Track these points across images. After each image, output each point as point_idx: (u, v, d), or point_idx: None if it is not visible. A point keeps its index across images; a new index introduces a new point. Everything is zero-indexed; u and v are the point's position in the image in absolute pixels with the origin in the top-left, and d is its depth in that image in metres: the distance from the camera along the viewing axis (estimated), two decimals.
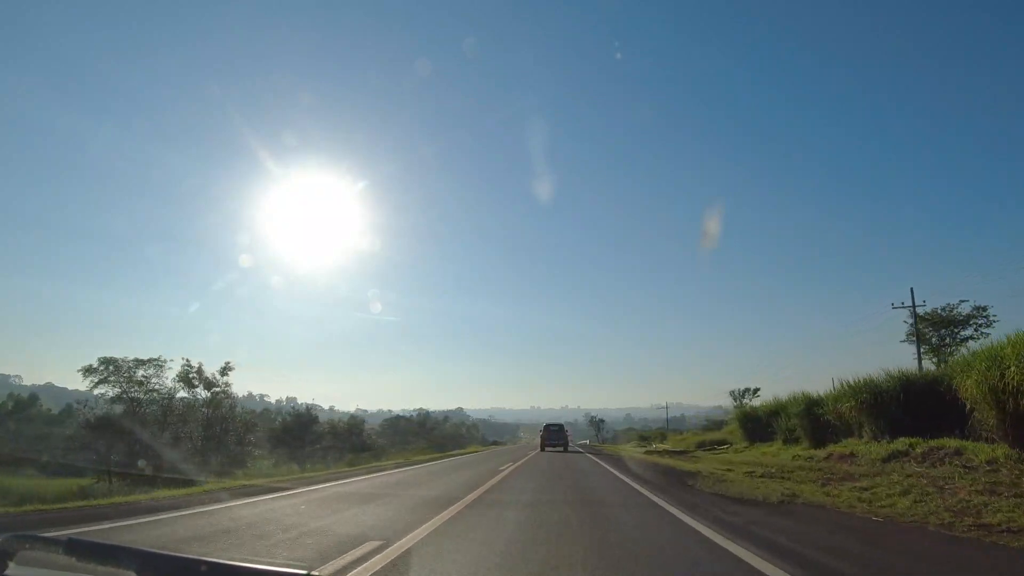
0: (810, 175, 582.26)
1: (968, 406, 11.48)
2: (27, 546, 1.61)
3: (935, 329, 29.65)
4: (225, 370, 29.46)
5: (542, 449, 32.89)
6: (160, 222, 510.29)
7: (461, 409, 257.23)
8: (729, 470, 13.68)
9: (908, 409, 13.69)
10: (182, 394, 28.55)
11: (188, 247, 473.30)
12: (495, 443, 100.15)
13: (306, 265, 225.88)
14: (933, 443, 11.37)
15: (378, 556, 4.83)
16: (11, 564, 1.55)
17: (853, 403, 15.45)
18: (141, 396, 27.06)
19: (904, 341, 31.48)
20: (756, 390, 49.59)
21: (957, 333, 28.44)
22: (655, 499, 8.97)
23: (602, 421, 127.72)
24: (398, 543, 5.37)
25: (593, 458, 24.72)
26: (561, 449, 32.75)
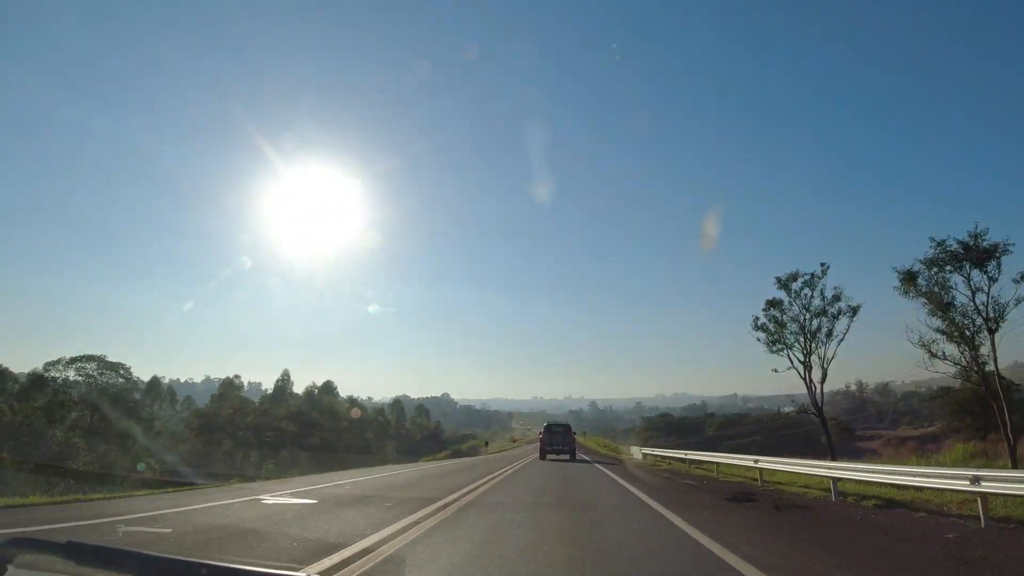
0: (814, 171, 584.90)
1: None
2: (26, 549, 1.62)
3: None
4: None
5: (542, 457, 26.27)
6: (157, 215, 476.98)
7: (447, 395, 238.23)
8: None
9: None
10: None
11: (185, 240, 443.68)
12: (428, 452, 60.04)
13: (305, 256, 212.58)
14: None
15: None
16: (10, 568, 1.53)
17: None
18: None
19: None
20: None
21: None
22: None
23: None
24: None
25: None
26: (567, 458, 25.93)
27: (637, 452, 33.27)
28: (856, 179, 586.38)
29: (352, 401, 71.96)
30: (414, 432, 76.63)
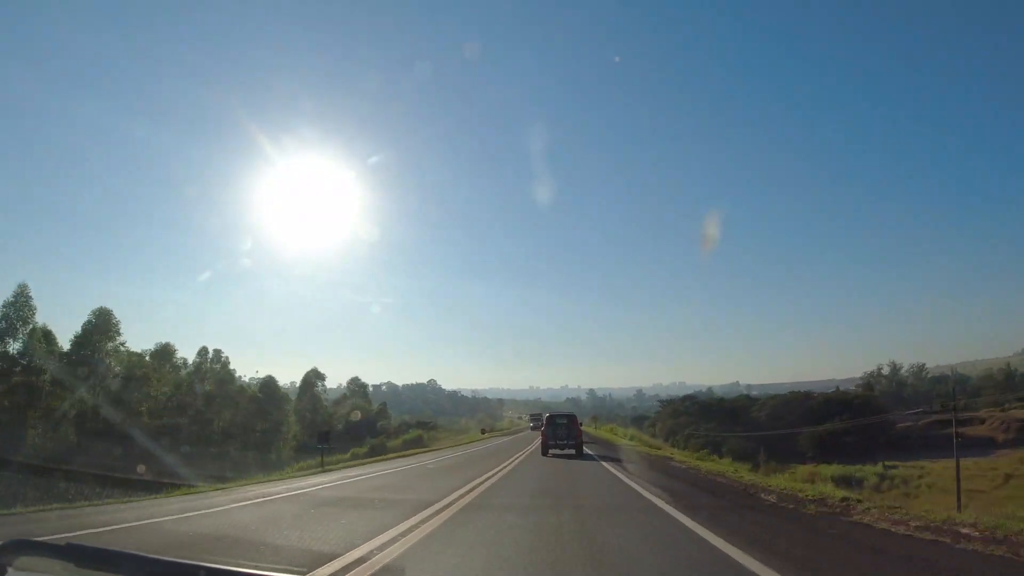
0: (812, 170, 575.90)
1: None
2: (26, 551, 1.58)
3: None
4: None
5: (544, 453, 24.38)
6: (150, 206, 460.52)
7: (433, 381, 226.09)
8: None
9: None
10: None
11: (177, 231, 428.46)
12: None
13: (301, 249, 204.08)
14: None
15: None
16: (10, 570, 1.51)
17: None
18: None
19: None
20: None
21: None
22: None
23: None
24: None
25: None
26: (572, 452, 23.68)
27: None
28: (855, 173, 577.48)
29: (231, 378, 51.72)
30: (336, 419, 57.64)
